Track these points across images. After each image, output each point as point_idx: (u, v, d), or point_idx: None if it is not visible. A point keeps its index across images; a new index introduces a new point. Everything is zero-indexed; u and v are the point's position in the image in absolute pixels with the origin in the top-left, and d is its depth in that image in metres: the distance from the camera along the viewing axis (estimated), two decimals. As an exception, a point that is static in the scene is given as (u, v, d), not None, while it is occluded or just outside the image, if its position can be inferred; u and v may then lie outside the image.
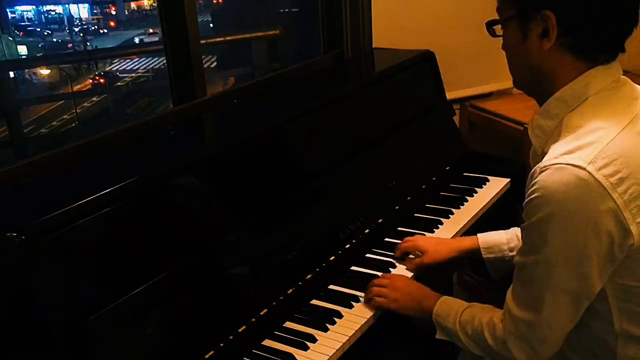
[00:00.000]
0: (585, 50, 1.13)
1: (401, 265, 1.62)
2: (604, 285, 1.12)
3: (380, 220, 1.75)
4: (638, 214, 1.06)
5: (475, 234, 1.61)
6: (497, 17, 1.22)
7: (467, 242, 1.61)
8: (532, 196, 1.09)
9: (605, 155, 1.05)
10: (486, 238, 1.58)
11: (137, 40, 13.54)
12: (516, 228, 1.53)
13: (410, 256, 1.64)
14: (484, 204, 1.92)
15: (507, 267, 1.51)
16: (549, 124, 1.18)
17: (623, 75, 1.18)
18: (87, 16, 14.25)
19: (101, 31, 13.80)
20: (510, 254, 1.52)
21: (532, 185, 1.09)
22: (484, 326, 1.25)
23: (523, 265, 1.16)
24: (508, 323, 1.20)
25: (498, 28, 1.22)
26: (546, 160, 1.09)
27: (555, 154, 1.08)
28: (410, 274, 1.58)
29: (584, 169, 1.04)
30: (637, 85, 1.20)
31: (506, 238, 1.55)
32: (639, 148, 1.09)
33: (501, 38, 1.23)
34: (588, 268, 1.09)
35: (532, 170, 1.11)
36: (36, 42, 13.03)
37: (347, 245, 1.63)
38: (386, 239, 1.74)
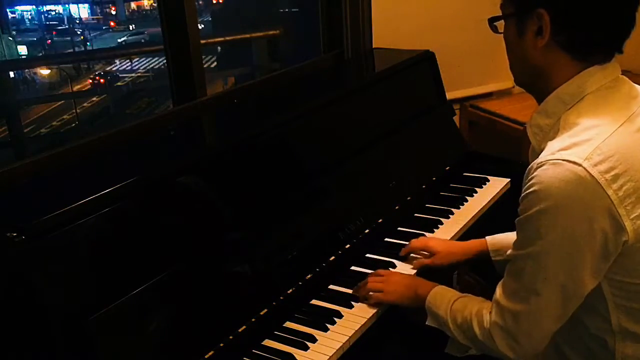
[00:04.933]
0: (579, 50, 1.13)
1: (402, 265, 1.61)
2: (599, 281, 1.12)
3: (380, 220, 1.75)
4: (632, 211, 1.06)
5: (479, 235, 1.61)
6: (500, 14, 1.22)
7: (476, 244, 1.61)
8: (529, 191, 1.09)
9: (601, 151, 1.06)
10: (494, 240, 1.57)
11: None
12: None
13: (415, 255, 1.63)
14: (484, 204, 1.92)
15: None
16: (547, 122, 1.18)
17: (623, 75, 1.18)
18: (87, 16, 14.26)
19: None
20: None
21: (529, 181, 1.09)
22: (473, 316, 1.26)
23: (515, 258, 1.17)
24: (495, 314, 1.21)
25: (500, 25, 1.22)
26: (542, 157, 1.09)
27: (552, 150, 1.09)
28: (413, 273, 1.58)
29: (580, 165, 1.04)
30: (635, 85, 1.20)
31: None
32: (635, 145, 1.09)
33: (502, 37, 1.23)
34: (580, 264, 1.09)
35: (529, 166, 1.12)
36: (37, 42, 13.04)
37: (347, 245, 1.63)
38: (386, 239, 1.74)
